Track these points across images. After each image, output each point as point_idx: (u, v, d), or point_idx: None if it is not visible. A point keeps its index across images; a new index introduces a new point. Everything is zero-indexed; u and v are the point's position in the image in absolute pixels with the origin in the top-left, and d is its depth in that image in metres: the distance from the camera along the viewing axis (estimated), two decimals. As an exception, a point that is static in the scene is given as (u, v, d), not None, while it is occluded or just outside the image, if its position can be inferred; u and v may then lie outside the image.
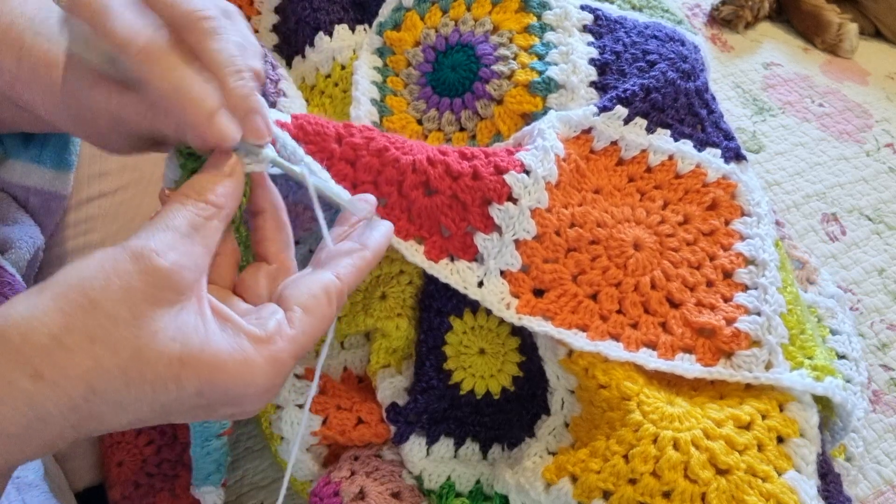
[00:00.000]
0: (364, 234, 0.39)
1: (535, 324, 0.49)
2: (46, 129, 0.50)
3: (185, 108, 0.33)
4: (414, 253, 0.49)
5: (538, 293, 0.50)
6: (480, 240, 0.49)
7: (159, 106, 0.35)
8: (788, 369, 0.48)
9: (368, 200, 0.41)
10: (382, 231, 0.40)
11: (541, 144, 0.51)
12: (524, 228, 0.49)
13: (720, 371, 0.48)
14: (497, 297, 0.49)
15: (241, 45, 0.35)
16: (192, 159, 0.39)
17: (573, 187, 0.53)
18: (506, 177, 0.49)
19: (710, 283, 0.52)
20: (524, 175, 0.49)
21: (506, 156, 0.50)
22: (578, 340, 0.48)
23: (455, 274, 0.49)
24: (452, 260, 0.50)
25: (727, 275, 0.53)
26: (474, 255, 0.50)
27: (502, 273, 0.49)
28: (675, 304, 0.51)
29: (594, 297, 0.51)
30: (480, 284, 0.49)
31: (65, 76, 0.37)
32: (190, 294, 0.31)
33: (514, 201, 0.49)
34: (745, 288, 0.52)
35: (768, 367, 0.48)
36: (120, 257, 0.30)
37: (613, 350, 0.48)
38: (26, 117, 0.47)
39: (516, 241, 0.49)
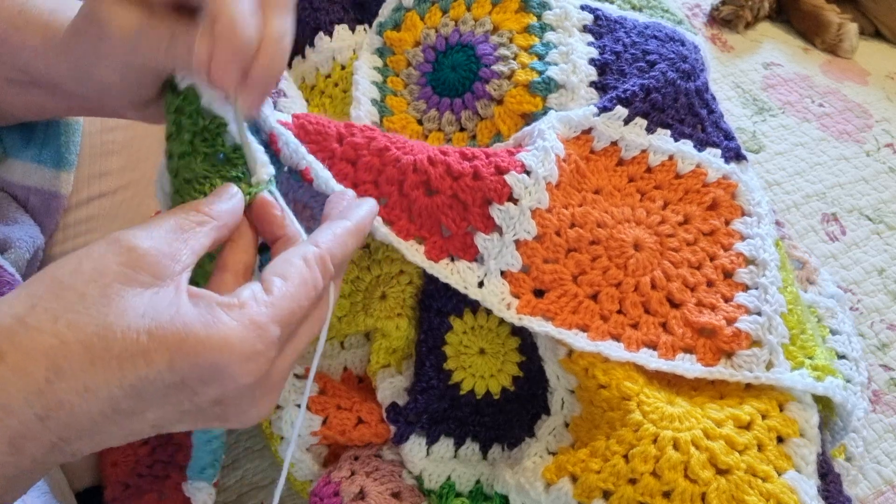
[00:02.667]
0: (348, 209, 0.39)
1: (536, 324, 0.49)
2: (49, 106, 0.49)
3: (224, 31, 0.33)
4: (414, 253, 0.49)
5: (538, 293, 0.50)
6: (481, 240, 0.49)
7: (191, 30, 0.35)
8: (789, 369, 0.48)
9: (347, 192, 0.41)
10: (366, 208, 0.39)
11: (541, 145, 0.51)
12: (524, 229, 0.49)
13: (721, 371, 0.48)
14: (497, 297, 0.49)
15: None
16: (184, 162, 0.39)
17: (573, 188, 0.53)
18: (506, 177, 0.49)
19: (710, 283, 0.52)
20: (525, 175, 0.49)
21: (506, 156, 0.50)
22: (579, 341, 0.48)
23: (455, 274, 0.49)
24: (453, 260, 0.50)
25: (727, 275, 0.53)
26: (475, 256, 0.50)
27: (503, 273, 0.49)
28: (675, 305, 0.51)
29: (594, 297, 0.51)
30: (481, 285, 0.49)
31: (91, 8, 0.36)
32: (169, 282, 0.30)
33: (515, 202, 0.49)
34: (746, 288, 0.52)
35: (769, 366, 0.48)
36: (96, 245, 0.29)
37: (614, 350, 0.48)
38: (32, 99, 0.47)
39: (517, 242, 0.49)
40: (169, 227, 0.31)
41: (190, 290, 0.30)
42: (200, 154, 0.39)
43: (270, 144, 0.44)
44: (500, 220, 0.49)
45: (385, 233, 0.48)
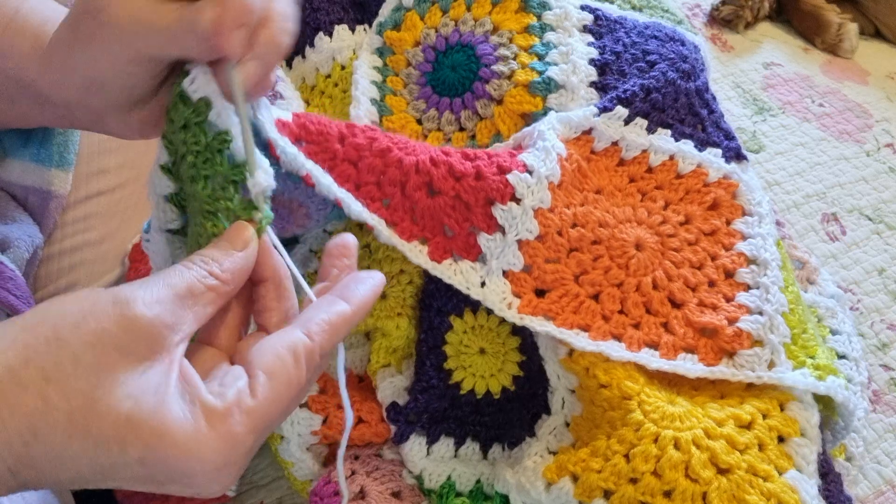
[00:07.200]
0: (349, 288, 0.36)
1: (537, 324, 0.49)
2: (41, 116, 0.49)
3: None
4: (417, 254, 0.49)
5: (540, 293, 0.50)
6: (484, 240, 0.49)
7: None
8: (791, 368, 0.48)
9: (348, 245, 0.39)
10: (370, 284, 0.36)
11: (542, 145, 0.51)
12: (527, 228, 0.49)
13: (722, 371, 0.48)
14: (499, 296, 0.49)
15: None
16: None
17: (575, 187, 0.53)
18: (509, 176, 0.49)
19: (711, 283, 0.52)
20: (527, 175, 0.49)
21: (508, 157, 0.50)
22: (580, 341, 0.48)
23: (458, 274, 0.49)
24: (456, 260, 0.50)
25: (729, 274, 0.53)
26: (477, 256, 0.50)
27: (504, 273, 0.49)
28: (676, 304, 0.51)
29: (596, 297, 0.50)
30: (483, 284, 0.49)
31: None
32: (164, 355, 0.29)
33: (518, 201, 0.49)
34: (747, 287, 0.52)
35: (770, 366, 0.48)
36: (103, 299, 0.29)
37: (615, 350, 0.48)
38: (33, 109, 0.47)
39: (519, 241, 0.49)
40: (181, 292, 0.30)
41: (182, 370, 0.30)
42: (202, 179, 0.38)
43: (269, 152, 0.44)
44: (502, 219, 0.49)
45: (388, 235, 0.48)
